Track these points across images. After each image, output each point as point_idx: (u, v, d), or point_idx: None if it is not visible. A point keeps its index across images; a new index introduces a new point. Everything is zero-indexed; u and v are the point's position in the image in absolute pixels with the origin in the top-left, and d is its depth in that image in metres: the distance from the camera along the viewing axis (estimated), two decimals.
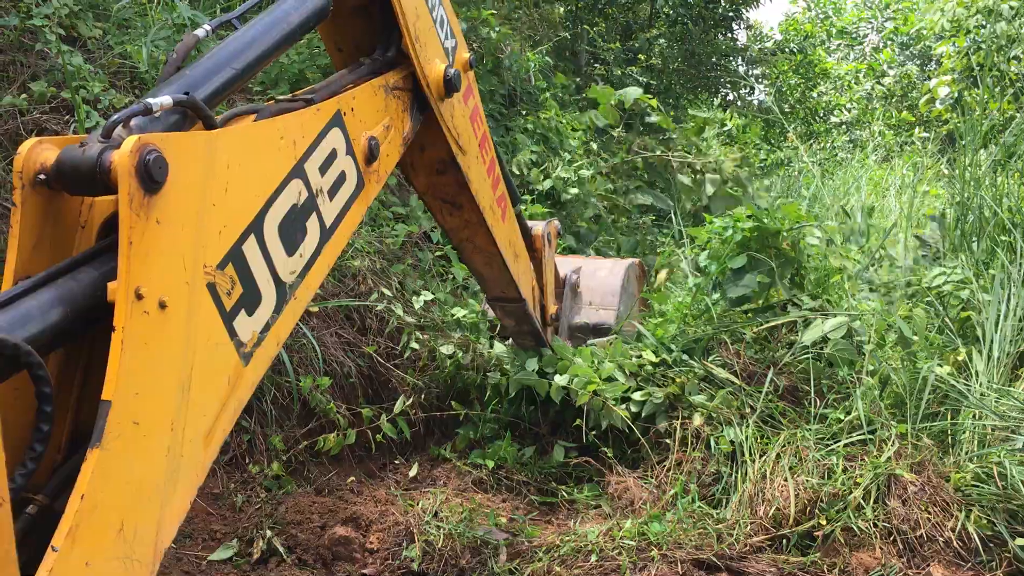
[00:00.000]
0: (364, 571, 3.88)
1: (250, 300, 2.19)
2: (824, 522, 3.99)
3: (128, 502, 1.81)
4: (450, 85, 3.18)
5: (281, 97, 2.60)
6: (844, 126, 18.09)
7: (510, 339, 5.21)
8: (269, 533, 3.93)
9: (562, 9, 12.37)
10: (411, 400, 4.97)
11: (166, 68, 2.40)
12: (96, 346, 1.97)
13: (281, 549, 3.88)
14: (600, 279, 5.59)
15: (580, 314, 5.41)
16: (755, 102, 15.04)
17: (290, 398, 4.63)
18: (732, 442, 4.54)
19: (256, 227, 2.21)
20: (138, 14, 6.03)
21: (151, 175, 1.83)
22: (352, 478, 4.75)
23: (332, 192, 2.57)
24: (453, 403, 5.18)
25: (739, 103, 14.22)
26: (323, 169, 2.52)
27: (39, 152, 1.96)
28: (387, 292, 5.23)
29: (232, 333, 2.12)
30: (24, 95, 4.87)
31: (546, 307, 5.06)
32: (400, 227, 5.96)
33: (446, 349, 5.19)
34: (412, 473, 4.86)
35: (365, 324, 5.14)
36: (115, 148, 1.86)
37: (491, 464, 4.92)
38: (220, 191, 2.07)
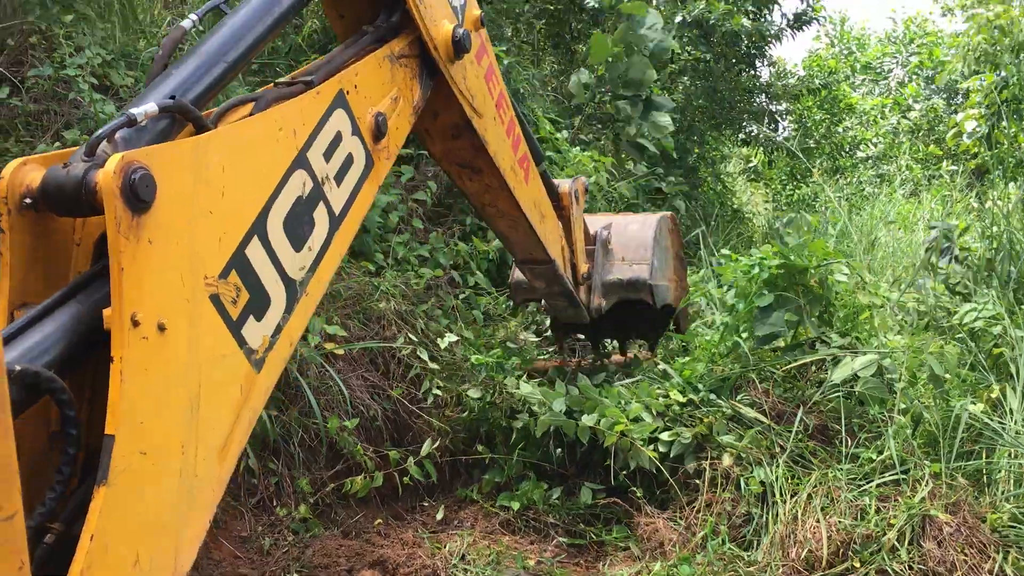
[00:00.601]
0: None
1: (258, 305, 2.11)
2: (858, 564, 3.91)
3: (141, 533, 1.76)
4: (460, 46, 2.98)
5: (279, 81, 2.48)
6: (871, 161, 18.03)
7: (543, 301, 5.11)
8: None
9: (584, 47, 12.49)
10: (437, 443, 4.96)
11: (153, 66, 2.31)
12: (100, 368, 1.90)
13: None
14: (631, 233, 5.37)
15: (612, 271, 5.21)
16: (779, 138, 15.04)
17: (317, 440, 4.64)
18: (762, 482, 4.48)
19: (259, 228, 2.12)
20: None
21: (137, 195, 1.75)
22: (379, 520, 4.74)
23: (339, 177, 2.45)
24: (479, 446, 5.16)
25: (763, 139, 14.22)
26: (328, 155, 2.40)
27: (24, 174, 1.89)
28: (412, 337, 5.24)
29: (241, 342, 2.05)
30: (58, 143, 4.97)
31: (577, 266, 4.93)
32: (424, 271, 5.98)
33: (473, 393, 5.18)
34: (439, 516, 4.84)
35: (390, 367, 5.15)
36: (100, 167, 1.79)
37: (518, 506, 4.88)
38: (216, 197, 1.98)
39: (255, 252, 2.09)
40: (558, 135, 8.47)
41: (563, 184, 4.83)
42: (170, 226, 1.84)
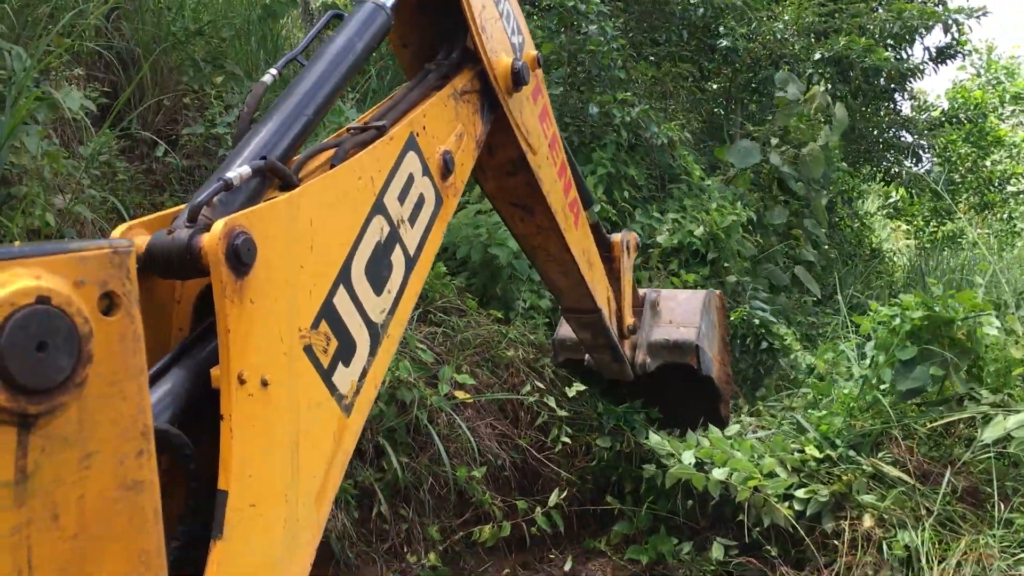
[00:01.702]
0: None
1: (346, 351, 2.15)
2: None
3: None
4: (518, 77, 3.04)
5: (353, 126, 2.53)
6: (1022, 196, 17.05)
7: (589, 357, 5.07)
8: None
9: (715, 86, 12.36)
10: (565, 493, 4.94)
11: (240, 124, 2.39)
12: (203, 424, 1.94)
13: None
14: (680, 300, 5.41)
15: (660, 331, 5.18)
16: (922, 173, 14.43)
17: (446, 488, 4.70)
18: (907, 547, 4.25)
19: (344, 276, 2.16)
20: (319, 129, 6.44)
21: (240, 259, 1.80)
22: (507, 570, 4.75)
23: (413, 218, 2.49)
24: (608, 496, 5.12)
25: (904, 175, 13.66)
26: (402, 197, 2.45)
27: (130, 239, 1.91)
28: (540, 384, 5.26)
29: (332, 389, 2.09)
30: None
31: (623, 319, 4.88)
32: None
33: (602, 442, 5.15)
34: (567, 567, 4.81)
35: (518, 415, 5.17)
36: (202, 231, 1.84)
37: (647, 559, 4.81)
38: (306, 251, 2.03)
39: (341, 300, 2.14)
40: (708, 180, 8.41)
41: (615, 236, 4.88)
42: (269, 285, 1.89)
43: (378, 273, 2.31)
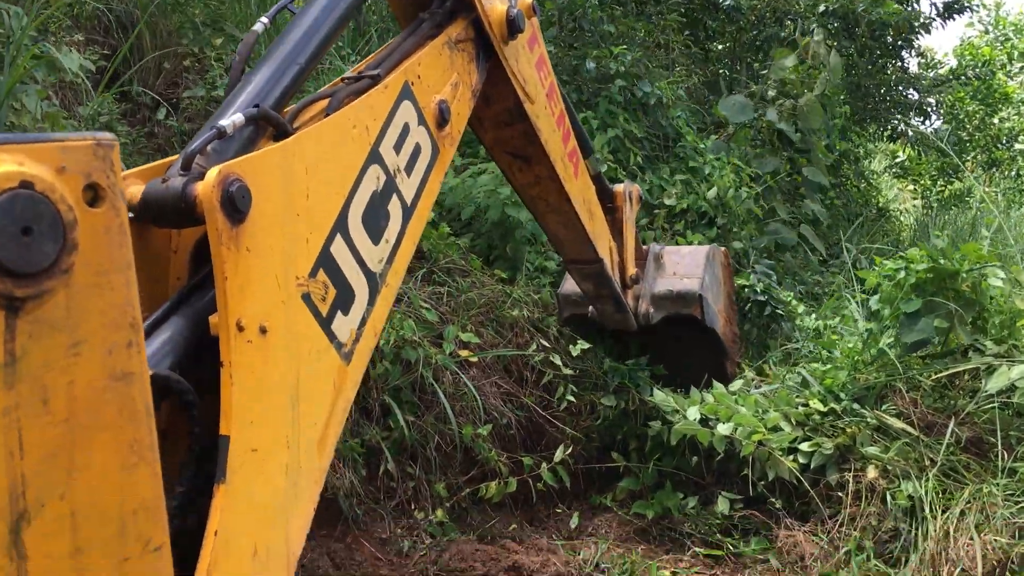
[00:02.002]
0: None
1: (344, 299, 2.17)
2: None
3: (257, 526, 1.85)
4: (513, 25, 3.04)
5: (347, 76, 2.52)
6: None
7: (592, 308, 5.08)
8: None
9: (720, 46, 12.25)
10: (570, 449, 4.98)
11: (232, 72, 2.38)
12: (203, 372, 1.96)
13: None
14: (684, 254, 5.43)
15: (663, 282, 5.19)
16: (929, 132, 14.31)
17: (452, 446, 4.73)
18: (911, 497, 4.28)
19: (341, 225, 2.17)
20: (312, 80, 6.42)
21: (236, 206, 1.81)
22: (513, 526, 4.79)
23: (409, 168, 2.50)
24: (613, 454, 5.15)
25: (911, 133, 13.55)
26: (398, 147, 2.45)
27: (124, 188, 1.97)
28: (545, 343, 5.27)
29: (332, 337, 2.11)
30: None
31: (625, 269, 4.89)
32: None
33: (607, 400, 5.17)
34: (573, 523, 4.85)
35: (523, 374, 5.20)
36: (196, 180, 1.85)
37: (652, 514, 4.85)
38: (302, 199, 2.04)
39: (339, 249, 2.15)
40: (702, 144, 8.36)
41: (617, 186, 4.88)
42: (265, 233, 1.90)
43: (375, 222, 2.31)
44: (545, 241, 6.11)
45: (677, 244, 7.11)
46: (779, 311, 6.90)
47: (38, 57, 3.88)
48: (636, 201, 5.06)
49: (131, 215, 1.90)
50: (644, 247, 5.30)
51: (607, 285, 4.64)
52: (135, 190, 1.96)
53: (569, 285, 5.26)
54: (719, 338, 5.33)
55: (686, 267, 5.27)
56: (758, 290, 6.85)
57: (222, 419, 1.79)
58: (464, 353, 4.90)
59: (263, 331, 1.87)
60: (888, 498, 4.34)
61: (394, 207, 2.41)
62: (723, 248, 5.79)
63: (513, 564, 4.09)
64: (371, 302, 2.28)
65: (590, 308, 5.15)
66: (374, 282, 2.30)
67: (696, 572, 4.44)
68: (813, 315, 7.31)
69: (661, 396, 5.04)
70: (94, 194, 1.18)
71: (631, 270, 4.95)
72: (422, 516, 4.58)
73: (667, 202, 7.47)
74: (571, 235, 4.18)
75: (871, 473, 4.44)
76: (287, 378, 1.96)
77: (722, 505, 4.78)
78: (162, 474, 1.90)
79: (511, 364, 5.18)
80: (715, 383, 5.13)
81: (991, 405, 4.49)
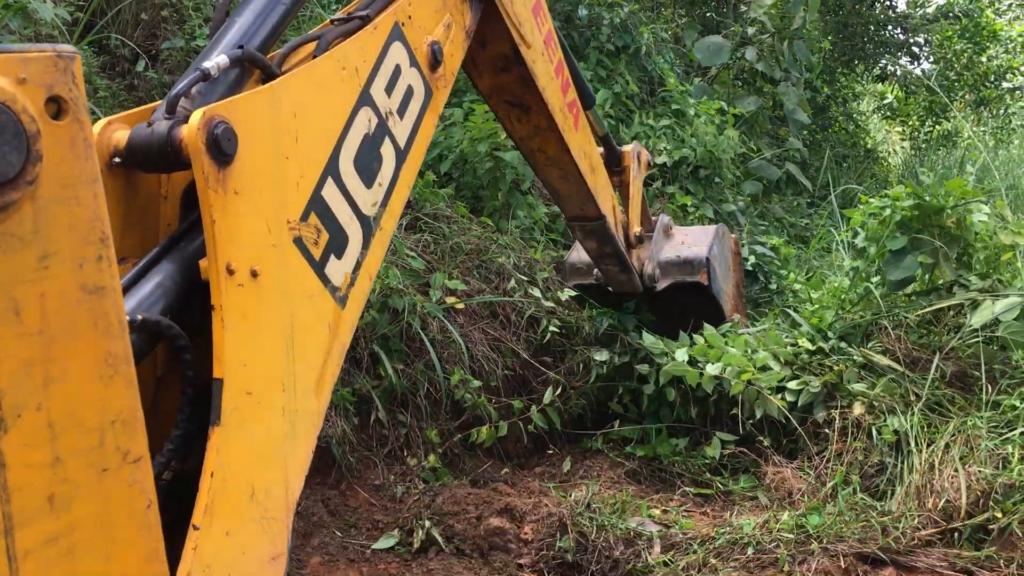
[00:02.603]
0: (520, 561, 3.95)
1: (338, 243, 2.17)
2: (1000, 515, 3.75)
3: (255, 467, 1.87)
4: None
5: (336, 17, 2.49)
6: (1019, 91, 16.84)
7: (597, 272, 5.07)
8: (428, 523, 4.05)
9: None
10: (559, 390, 5.01)
11: (216, 14, 2.35)
12: (195, 317, 1.97)
13: (439, 539, 4.00)
14: (692, 230, 5.48)
15: (671, 250, 5.21)
16: (917, 72, 14.22)
17: (442, 393, 4.76)
18: (896, 431, 4.34)
19: (332, 168, 2.16)
20: (294, 29, 6.33)
21: (221, 148, 1.80)
22: (506, 470, 4.85)
23: (401, 110, 2.47)
24: (609, 403, 5.18)
25: (899, 74, 13.47)
26: (389, 89, 2.42)
27: (110, 134, 1.95)
28: (532, 289, 5.28)
29: (325, 281, 2.12)
30: None
31: (629, 228, 4.85)
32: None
33: (599, 356, 5.17)
34: (565, 467, 4.90)
35: (510, 320, 5.21)
36: (182, 123, 1.84)
37: (642, 453, 4.91)
38: (291, 142, 2.03)
39: (330, 192, 2.15)
40: (683, 87, 8.29)
41: (625, 147, 4.85)
42: (253, 176, 1.90)
43: (368, 166, 2.30)
44: (531, 185, 6.09)
45: (670, 206, 7.15)
46: (773, 287, 6.91)
47: (9, 6, 3.82)
48: (644, 165, 5.03)
49: (117, 160, 1.94)
50: (653, 218, 5.29)
51: (610, 243, 4.59)
52: (120, 135, 1.95)
53: (576, 254, 5.27)
54: (723, 306, 5.30)
55: (695, 238, 5.29)
56: (754, 259, 6.86)
57: (215, 362, 1.80)
58: (450, 300, 4.91)
59: (254, 274, 1.87)
60: (874, 433, 4.39)
61: (387, 150, 2.40)
62: (733, 235, 5.81)
63: (506, 506, 4.14)
64: (365, 246, 2.28)
65: (595, 272, 5.14)
66: (368, 226, 2.29)
67: (686, 510, 4.51)
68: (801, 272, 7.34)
69: (650, 339, 5.07)
70: (57, 107, 1.17)
71: (636, 228, 4.91)
72: (415, 462, 4.62)
73: (659, 160, 7.45)
74: (572, 190, 4.13)
75: (857, 409, 4.50)
76: (281, 322, 1.97)
77: (714, 448, 4.82)
78: (161, 421, 1.92)
79: (498, 310, 5.20)
80: (705, 325, 5.14)
81: (975, 339, 4.54)
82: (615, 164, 4.87)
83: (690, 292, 5.18)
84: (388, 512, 4.28)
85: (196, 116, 1.79)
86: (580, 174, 3.99)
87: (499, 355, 5.03)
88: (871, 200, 5.17)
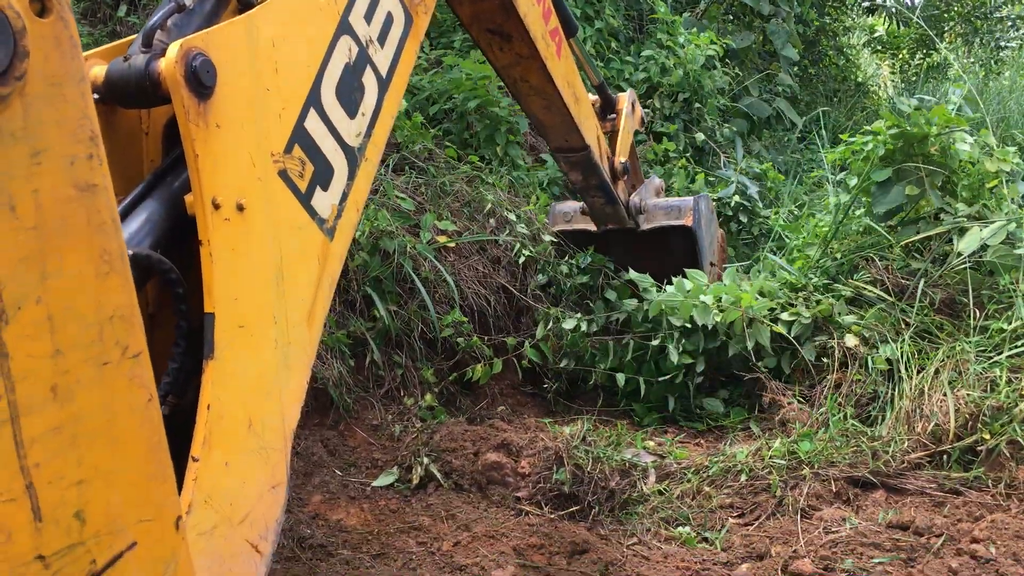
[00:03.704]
0: (517, 494, 4.02)
1: (323, 175, 2.18)
2: (987, 436, 3.83)
3: (250, 399, 1.90)
4: None
5: None
6: (1010, 20, 16.69)
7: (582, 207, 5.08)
8: (426, 460, 4.11)
9: None
10: (551, 324, 5.03)
11: None
12: (184, 253, 1.97)
13: (438, 475, 4.06)
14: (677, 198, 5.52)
15: (659, 200, 5.26)
16: (908, 2, 14.07)
17: (436, 333, 4.80)
18: (888, 360, 4.38)
19: (314, 99, 2.15)
20: None
21: (201, 81, 1.78)
22: (501, 407, 4.90)
23: (382, 38, 2.46)
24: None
25: (888, 3, 13.32)
26: (368, 16, 2.41)
27: (87, 70, 1.88)
28: (520, 228, 5.28)
29: (312, 213, 2.13)
30: None
31: (615, 161, 4.82)
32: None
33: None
34: (559, 406, 4.94)
35: (499, 258, 5.23)
36: (159, 57, 1.82)
37: (631, 387, 4.93)
38: (271, 73, 2.01)
39: (313, 124, 2.14)
40: (674, 17, 8.21)
41: (620, 95, 4.92)
42: (234, 108, 1.88)
43: (350, 96, 2.29)
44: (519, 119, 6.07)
45: (651, 151, 7.12)
46: (755, 232, 6.89)
47: None
48: (638, 113, 5.05)
49: (96, 97, 1.90)
50: (644, 179, 5.34)
51: (595, 174, 4.58)
52: (98, 71, 1.93)
53: (561, 205, 5.36)
54: (703, 257, 5.28)
55: (680, 199, 5.31)
56: (736, 200, 6.83)
57: (205, 297, 1.82)
58: (441, 239, 4.92)
59: (240, 208, 1.87)
60: (869, 363, 4.42)
61: (369, 79, 2.38)
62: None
63: (502, 442, 4.19)
64: (351, 177, 2.28)
65: (575, 214, 5.16)
66: (353, 157, 2.29)
67: (680, 441, 4.58)
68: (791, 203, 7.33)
69: (637, 275, 5.06)
70: (41, 5, 1.17)
71: (622, 157, 4.88)
72: (411, 402, 4.67)
73: (632, 78, 7.39)
74: (556, 120, 4.11)
75: (850, 341, 4.51)
76: (270, 255, 1.98)
77: (713, 405, 4.83)
78: (155, 358, 1.92)
79: (487, 248, 5.21)
80: (691, 271, 5.09)
81: (963, 266, 4.57)
82: (609, 111, 4.85)
83: (674, 238, 5.17)
84: (387, 451, 4.34)
85: (173, 49, 1.77)
86: (564, 104, 3.97)
87: (490, 292, 5.05)
88: (853, 138, 5.14)
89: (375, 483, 4.09)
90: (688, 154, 7.44)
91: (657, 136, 7.37)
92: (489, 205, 5.27)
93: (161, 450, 1.27)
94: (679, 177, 6.83)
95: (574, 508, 3.86)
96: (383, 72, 2.45)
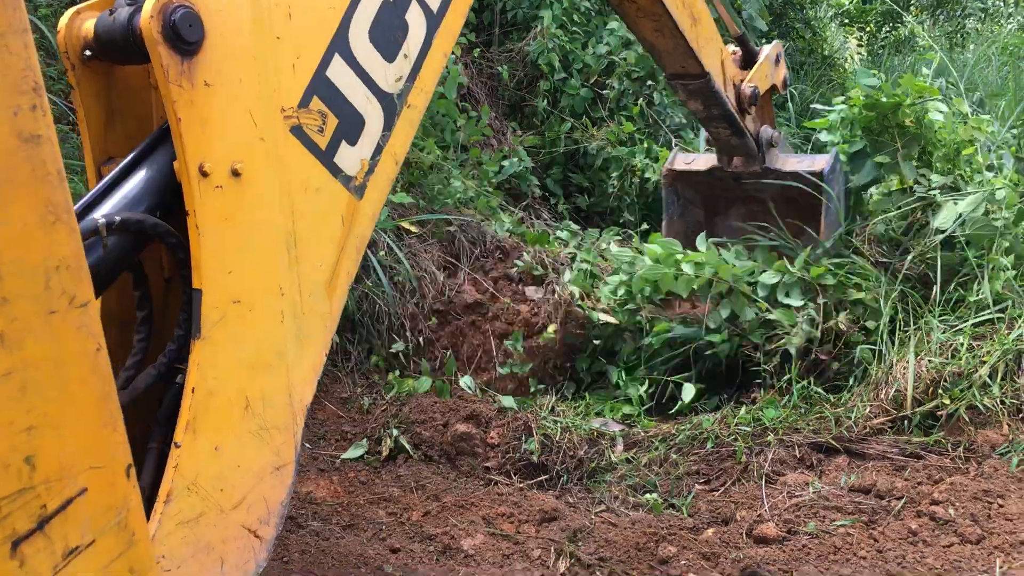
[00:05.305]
0: (486, 464, 4.03)
1: (350, 128, 1.98)
2: (947, 401, 3.89)
3: (248, 378, 1.78)
4: None
5: None
6: None
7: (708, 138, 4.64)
8: (396, 432, 4.11)
9: None
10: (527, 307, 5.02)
11: None
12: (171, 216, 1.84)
13: (408, 446, 4.07)
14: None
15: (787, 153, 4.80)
16: None
17: (403, 315, 4.78)
18: (867, 331, 4.33)
19: (339, 44, 1.94)
20: None
21: (181, 36, 1.62)
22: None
23: None
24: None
25: None
26: None
27: (79, 24, 1.79)
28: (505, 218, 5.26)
29: (335, 171, 1.95)
30: None
31: (742, 90, 4.36)
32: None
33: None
34: (532, 388, 4.88)
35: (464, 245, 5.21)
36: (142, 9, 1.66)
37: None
38: (282, 20, 1.82)
39: (339, 71, 1.95)
40: None
41: (764, 47, 4.60)
42: (229, 63, 1.73)
43: (388, 36, 2.06)
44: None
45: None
46: None
47: None
48: (782, 63, 4.70)
49: (89, 53, 1.79)
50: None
51: (717, 103, 4.15)
52: (89, 26, 1.80)
53: (677, 161, 4.99)
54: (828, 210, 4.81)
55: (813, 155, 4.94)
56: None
57: (193, 272, 1.70)
58: (406, 225, 4.89)
59: (236, 174, 1.73)
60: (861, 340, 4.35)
61: (414, 16, 2.13)
62: None
63: (471, 413, 4.21)
64: (388, 127, 2.07)
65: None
66: (391, 104, 2.07)
67: (647, 410, 4.60)
68: None
69: (616, 249, 5.01)
70: None
71: (750, 86, 4.39)
72: (378, 378, 4.66)
73: (588, 60, 7.31)
74: (669, 44, 3.73)
75: (843, 323, 4.39)
76: (276, 222, 1.83)
77: (686, 392, 4.68)
78: (171, 322, 1.81)
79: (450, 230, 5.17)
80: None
81: (940, 238, 4.49)
82: (750, 63, 4.49)
83: (800, 195, 4.69)
84: (356, 423, 4.34)
85: (150, 1, 1.62)
86: (677, 26, 3.59)
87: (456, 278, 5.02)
88: (830, 110, 5.10)
89: (344, 455, 4.08)
90: (648, 130, 7.37)
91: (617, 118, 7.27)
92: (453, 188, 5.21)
93: (111, 400, 1.26)
94: (639, 153, 6.78)
95: (543, 477, 3.89)
96: (434, 6, 2.17)
